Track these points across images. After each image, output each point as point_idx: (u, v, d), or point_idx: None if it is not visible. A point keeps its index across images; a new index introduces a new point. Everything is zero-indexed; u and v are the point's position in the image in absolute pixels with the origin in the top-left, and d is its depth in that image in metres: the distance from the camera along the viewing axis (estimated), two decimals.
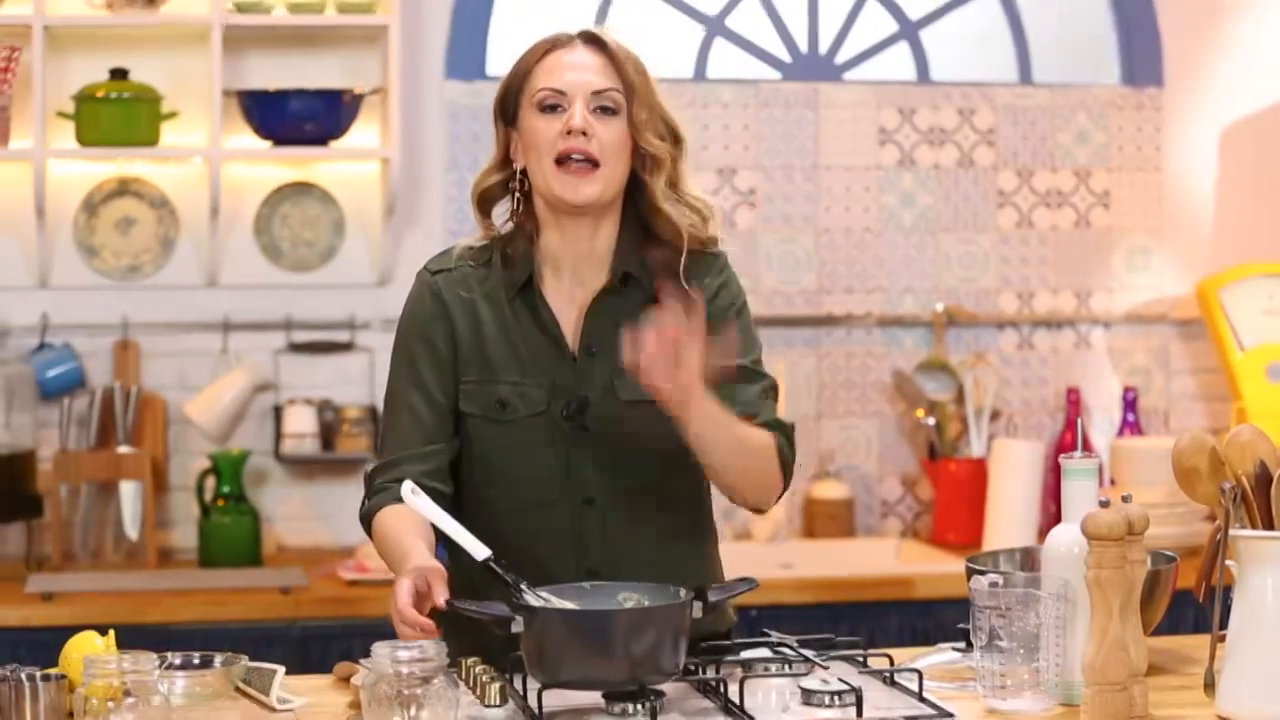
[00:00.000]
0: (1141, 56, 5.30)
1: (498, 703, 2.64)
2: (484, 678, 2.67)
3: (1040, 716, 2.64)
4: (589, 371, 2.93)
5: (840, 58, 5.24)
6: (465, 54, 5.00)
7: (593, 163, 2.88)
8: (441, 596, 2.64)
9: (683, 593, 2.63)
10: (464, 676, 2.74)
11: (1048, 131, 5.26)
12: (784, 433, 2.95)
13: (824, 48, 5.23)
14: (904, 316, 5.20)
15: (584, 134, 2.86)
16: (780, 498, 3.00)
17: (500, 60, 5.00)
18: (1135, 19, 5.29)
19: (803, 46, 5.23)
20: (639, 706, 2.55)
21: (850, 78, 5.24)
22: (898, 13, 5.26)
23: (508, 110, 2.96)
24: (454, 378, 2.95)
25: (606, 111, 2.89)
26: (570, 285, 2.96)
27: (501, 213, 3.01)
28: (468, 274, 2.98)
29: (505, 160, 2.98)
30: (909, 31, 5.27)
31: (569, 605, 2.65)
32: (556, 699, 2.58)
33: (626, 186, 2.94)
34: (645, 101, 2.90)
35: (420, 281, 3.01)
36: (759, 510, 3.01)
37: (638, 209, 2.96)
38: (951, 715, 2.59)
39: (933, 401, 5.12)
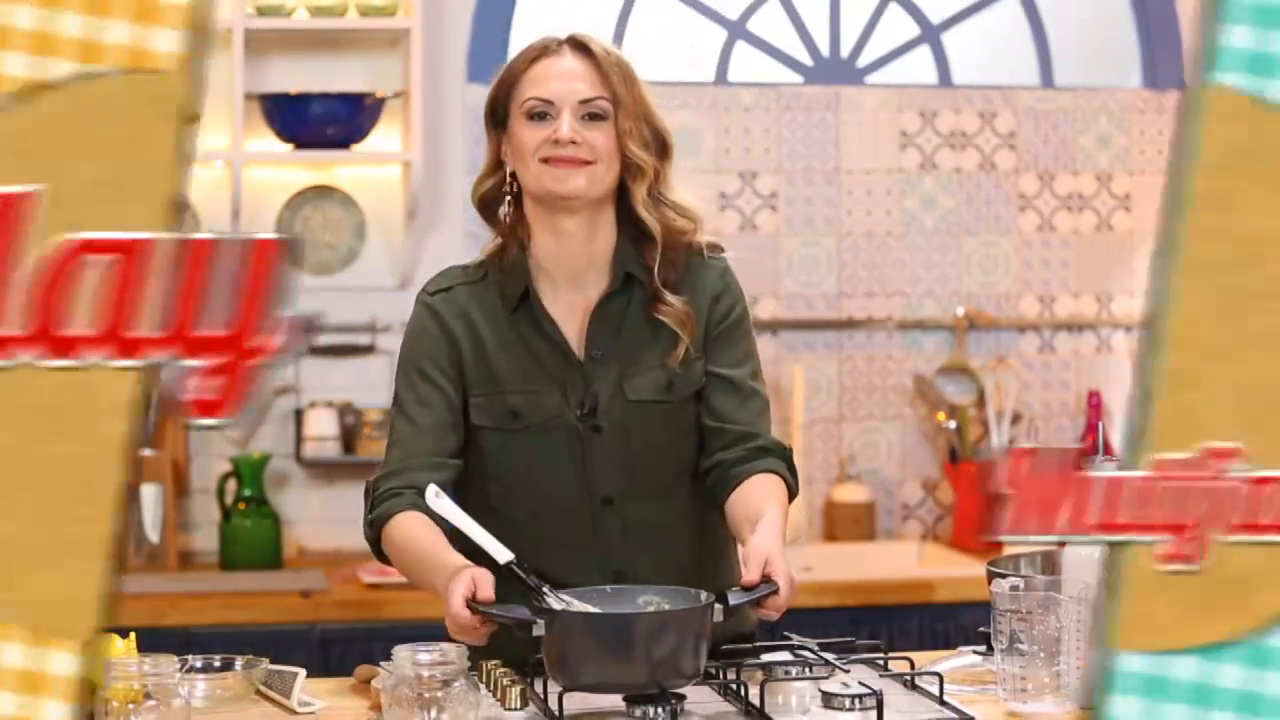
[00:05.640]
0: (1163, 59, 5.29)
1: (518, 706, 2.64)
2: (504, 680, 2.68)
3: None
4: (597, 374, 2.93)
5: (862, 61, 5.23)
6: (487, 57, 5.00)
7: (583, 161, 2.88)
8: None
9: (704, 596, 2.63)
10: (485, 679, 2.74)
11: (1069, 135, 5.26)
12: (785, 458, 2.96)
13: (845, 51, 5.23)
14: (925, 320, 5.19)
15: (573, 143, 2.86)
16: None
17: None
18: (1157, 21, 5.28)
19: (824, 50, 5.23)
20: (659, 710, 2.55)
21: (872, 81, 5.23)
22: (919, 16, 5.25)
23: (497, 115, 2.96)
24: (460, 396, 2.95)
25: (595, 118, 2.89)
26: (569, 292, 2.95)
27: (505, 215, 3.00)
28: (466, 292, 2.98)
29: (497, 164, 2.98)
30: (930, 35, 5.26)
31: (590, 608, 2.65)
32: (577, 702, 2.58)
33: (618, 192, 2.94)
34: (631, 111, 2.90)
35: (419, 304, 3.00)
36: None
37: (631, 214, 2.95)
38: (972, 719, 2.59)
39: (954, 405, 5.12)
